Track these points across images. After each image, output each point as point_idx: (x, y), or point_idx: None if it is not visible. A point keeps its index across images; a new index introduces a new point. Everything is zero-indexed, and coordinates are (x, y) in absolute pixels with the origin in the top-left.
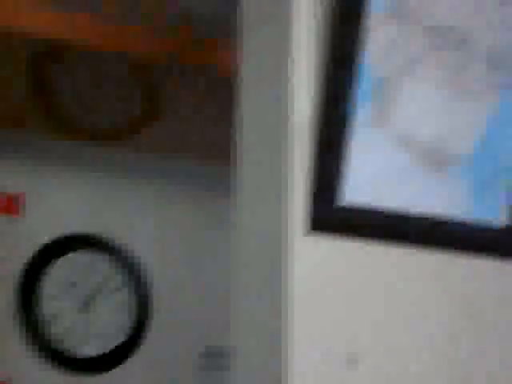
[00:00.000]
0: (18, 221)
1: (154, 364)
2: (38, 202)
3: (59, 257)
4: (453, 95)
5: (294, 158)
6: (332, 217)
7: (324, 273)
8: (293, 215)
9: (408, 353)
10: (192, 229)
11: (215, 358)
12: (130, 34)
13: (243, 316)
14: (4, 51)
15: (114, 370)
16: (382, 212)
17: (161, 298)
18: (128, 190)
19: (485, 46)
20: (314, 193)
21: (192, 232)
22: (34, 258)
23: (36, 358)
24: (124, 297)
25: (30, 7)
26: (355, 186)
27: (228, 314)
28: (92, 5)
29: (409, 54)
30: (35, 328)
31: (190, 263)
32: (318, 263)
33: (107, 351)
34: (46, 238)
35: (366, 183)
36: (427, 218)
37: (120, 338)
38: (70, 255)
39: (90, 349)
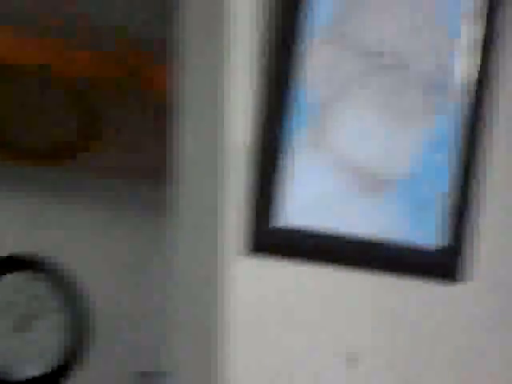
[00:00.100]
0: None
1: None
2: None
3: None
4: (389, 120)
5: (231, 181)
6: (269, 239)
7: (261, 294)
8: (231, 237)
9: (342, 363)
10: (129, 251)
11: (151, 380)
12: (68, 58)
13: (180, 338)
14: None
15: None
16: (319, 234)
17: (98, 319)
18: (66, 212)
19: (421, 71)
20: (252, 215)
21: (129, 254)
22: None
23: None
24: (60, 318)
25: None
26: (292, 209)
27: (165, 337)
28: (34, 30)
29: (345, 79)
30: None
31: (127, 285)
32: (255, 285)
33: (43, 373)
34: None
35: (303, 206)
36: (364, 241)
37: (56, 360)
38: (8, 276)
39: (26, 371)
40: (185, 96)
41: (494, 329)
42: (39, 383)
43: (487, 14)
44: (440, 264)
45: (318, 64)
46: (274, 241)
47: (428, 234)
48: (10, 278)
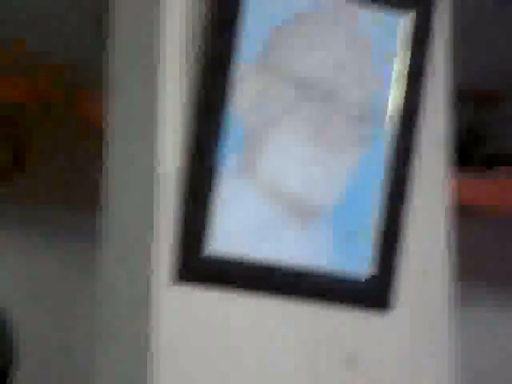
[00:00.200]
0: None
1: None
2: None
3: None
4: (319, 148)
5: (161, 208)
6: (199, 267)
7: (189, 322)
8: (161, 265)
9: None
10: (59, 279)
11: None
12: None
13: (107, 366)
14: None
15: None
16: (249, 263)
17: (24, 349)
18: None
19: (350, 100)
20: (181, 243)
21: (59, 282)
22: None
23: None
24: None
25: None
26: (223, 237)
27: (92, 365)
28: None
29: (277, 106)
30: None
31: (56, 314)
32: (184, 313)
33: None
34: None
35: (233, 234)
36: (292, 269)
37: None
38: None
39: None
40: (114, 122)
41: (418, 356)
42: None
43: (414, 47)
44: (370, 293)
45: (250, 91)
46: (204, 269)
47: (358, 263)
48: None
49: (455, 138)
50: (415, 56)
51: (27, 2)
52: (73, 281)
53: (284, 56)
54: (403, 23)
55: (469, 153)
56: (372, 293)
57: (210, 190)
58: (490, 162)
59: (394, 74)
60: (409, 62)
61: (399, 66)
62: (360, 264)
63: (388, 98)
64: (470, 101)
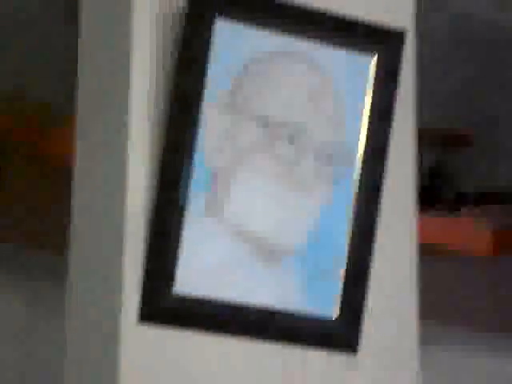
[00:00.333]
0: None
1: None
2: None
3: None
4: (286, 186)
5: (128, 247)
6: (165, 307)
7: (157, 362)
8: (127, 305)
9: None
10: (25, 319)
11: None
12: None
13: None
14: None
15: None
16: (216, 303)
17: None
18: None
19: (319, 139)
20: (148, 282)
21: (24, 323)
22: None
23: None
24: None
25: None
26: (190, 277)
27: None
28: None
29: (244, 145)
30: None
31: (22, 355)
32: (151, 353)
33: None
34: None
35: (200, 273)
36: (259, 310)
37: None
38: None
39: None
40: (83, 161)
41: None
42: None
43: (381, 87)
44: (337, 334)
45: (217, 129)
46: (170, 309)
47: (325, 303)
48: None
49: (422, 177)
50: (382, 96)
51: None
52: (38, 320)
53: (251, 95)
54: (370, 63)
55: (435, 192)
56: (339, 334)
57: (177, 229)
58: (457, 202)
59: (362, 114)
60: (377, 102)
61: (367, 106)
62: (327, 304)
63: (356, 138)
64: (436, 140)
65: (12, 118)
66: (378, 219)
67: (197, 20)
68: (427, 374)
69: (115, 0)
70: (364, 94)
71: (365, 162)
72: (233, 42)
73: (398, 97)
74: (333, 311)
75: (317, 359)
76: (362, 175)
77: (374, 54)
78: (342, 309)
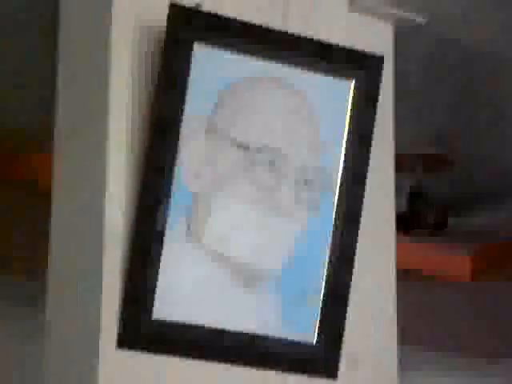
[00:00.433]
0: None
1: None
2: None
3: None
4: (266, 211)
5: (107, 272)
6: (144, 332)
7: None
8: (106, 330)
9: None
10: (3, 344)
11: None
12: None
13: None
14: None
15: None
16: (195, 327)
17: None
18: None
19: (298, 163)
20: (125, 308)
21: (2, 347)
22: None
23: None
24: None
25: None
26: (167, 302)
27: None
28: None
29: (225, 169)
30: None
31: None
32: (127, 379)
33: None
34: None
35: (178, 298)
36: (239, 335)
37: None
38: None
39: None
40: (62, 186)
41: None
42: None
43: (360, 112)
44: (316, 359)
45: (198, 155)
46: (149, 334)
47: (305, 328)
48: None
49: (402, 201)
50: (361, 120)
51: None
52: (16, 346)
53: (230, 120)
54: (349, 87)
55: (415, 216)
56: (318, 359)
57: (156, 255)
58: (437, 226)
59: (341, 139)
60: (355, 126)
61: (346, 130)
62: (305, 329)
63: (335, 163)
64: (415, 165)
65: None
66: (357, 244)
67: (175, 46)
68: None
69: (94, 27)
70: (343, 119)
71: (344, 186)
72: (211, 67)
73: (376, 121)
74: (311, 336)
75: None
76: (340, 200)
77: (352, 78)
78: (321, 334)
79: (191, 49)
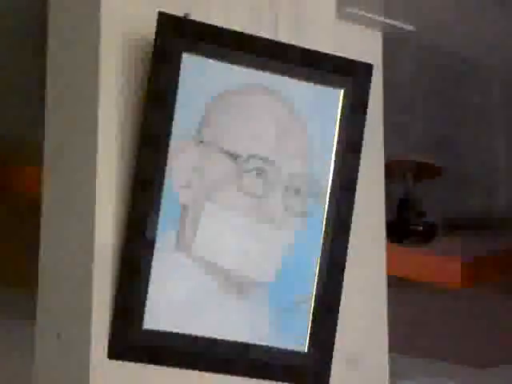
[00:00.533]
0: None
1: None
2: None
3: None
4: (255, 220)
5: (95, 285)
6: (135, 343)
7: None
8: (97, 341)
9: None
10: None
11: None
12: None
13: None
14: None
15: None
16: (186, 338)
17: None
18: None
19: (286, 175)
20: (117, 319)
21: None
22: None
23: None
24: None
25: None
26: (158, 312)
27: None
28: None
29: (212, 179)
30: None
31: None
32: None
33: None
34: None
35: (170, 309)
36: (231, 344)
37: None
38: None
39: None
40: (49, 198)
41: None
42: None
43: (350, 121)
44: (308, 368)
45: (186, 166)
46: (140, 345)
47: (294, 339)
48: None
49: (392, 208)
50: (351, 128)
51: None
52: (6, 357)
53: (219, 129)
54: (338, 95)
55: (405, 224)
56: (309, 368)
57: (146, 265)
58: (427, 233)
59: (331, 147)
60: (345, 134)
61: (335, 138)
62: (296, 340)
63: (324, 171)
64: (405, 172)
65: None
66: (348, 252)
67: (164, 57)
68: None
69: (82, 39)
70: (332, 127)
71: (334, 194)
72: (200, 77)
73: (366, 129)
74: (303, 345)
75: None
76: (331, 208)
77: (342, 86)
78: (312, 343)
79: (180, 58)
